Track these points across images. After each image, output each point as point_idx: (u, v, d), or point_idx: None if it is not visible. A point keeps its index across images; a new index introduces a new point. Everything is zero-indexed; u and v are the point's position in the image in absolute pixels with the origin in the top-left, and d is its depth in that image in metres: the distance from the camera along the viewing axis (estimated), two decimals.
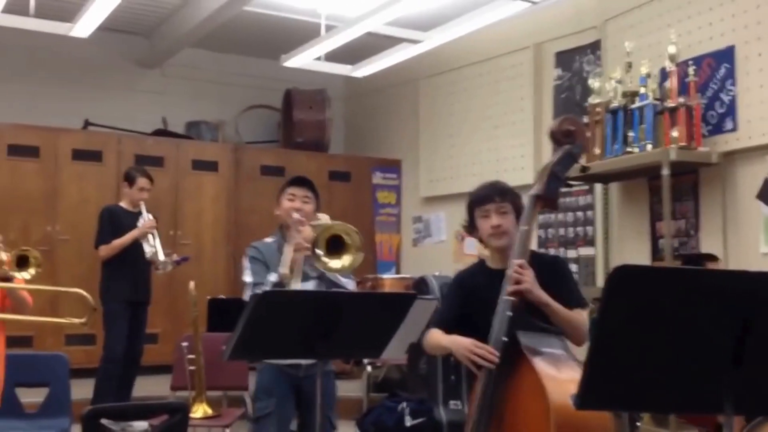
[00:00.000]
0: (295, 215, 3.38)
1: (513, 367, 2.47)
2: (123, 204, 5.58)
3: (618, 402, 1.69)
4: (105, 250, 5.37)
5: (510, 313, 2.50)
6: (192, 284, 4.80)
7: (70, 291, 3.97)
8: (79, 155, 7.08)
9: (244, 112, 8.60)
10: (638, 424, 4.36)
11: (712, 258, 4.65)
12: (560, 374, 2.38)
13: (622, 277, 1.54)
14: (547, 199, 2.65)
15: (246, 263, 3.43)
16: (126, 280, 5.37)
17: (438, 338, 2.77)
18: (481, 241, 2.86)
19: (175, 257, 5.65)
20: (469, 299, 2.78)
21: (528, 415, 2.41)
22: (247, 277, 3.38)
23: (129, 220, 5.44)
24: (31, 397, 4.14)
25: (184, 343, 4.57)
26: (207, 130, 8.17)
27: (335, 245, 3.17)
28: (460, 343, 2.60)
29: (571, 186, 6.15)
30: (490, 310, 2.57)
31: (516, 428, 2.45)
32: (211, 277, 7.36)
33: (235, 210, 7.70)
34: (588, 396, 1.60)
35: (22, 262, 3.32)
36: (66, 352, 5.32)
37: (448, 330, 2.75)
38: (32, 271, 3.34)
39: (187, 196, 7.50)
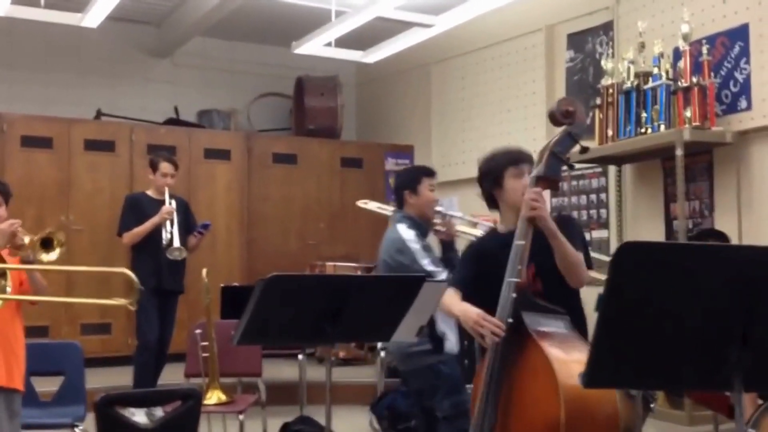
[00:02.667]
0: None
1: (520, 347, 2.47)
2: (149, 192, 5.52)
3: (625, 380, 1.67)
4: (127, 237, 5.36)
5: (514, 295, 2.51)
6: (204, 272, 4.81)
7: (116, 271, 4.09)
8: (91, 145, 7.10)
9: (255, 100, 8.60)
10: (652, 405, 4.32)
11: (719, 235, 4.54)
12: (567, 355, 2.37)
13: (628, 253, 1.52)
14: (549, 180, 2.61)
15: (420, 251, 3.65)
16: (148, 269, 5.28)
17: (450, 303, 2.75)
18: (494, 203, 2.85)
19: (198, 227, 5.59)
20: (481, 264, 2.76)
21: (535, 394, 2.41)
22: (429, 266, 3.61)
23: (153, 207, 5.37)
24: (46, 386, 4.16)
25: (198, 331, 4.58)
26: (219, 118, 8.17)
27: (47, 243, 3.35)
28: (468, 314, 2.60)
29: (572, 168, 6.09)
30: (501, 275, 2.55)
31: (523, 407, 2.45)
32: (225, 265, 7.37)
33: (247, 198, 7.70)
34: (596, 374, 1.59)
35: (46, 244, 3.31)
36: (82, 341, 5.35)
37: (465, 291, 2.75)
38: (57, 251, 3.33)
39: (200, 184, 7.50)
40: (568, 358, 2.35)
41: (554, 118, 2.66)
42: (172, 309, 5.52)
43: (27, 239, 3.25)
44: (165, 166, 5.45)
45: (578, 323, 2.61)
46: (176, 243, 5.34)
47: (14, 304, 3.33)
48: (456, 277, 2.92)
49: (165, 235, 5.35)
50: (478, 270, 2.79)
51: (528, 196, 2.54)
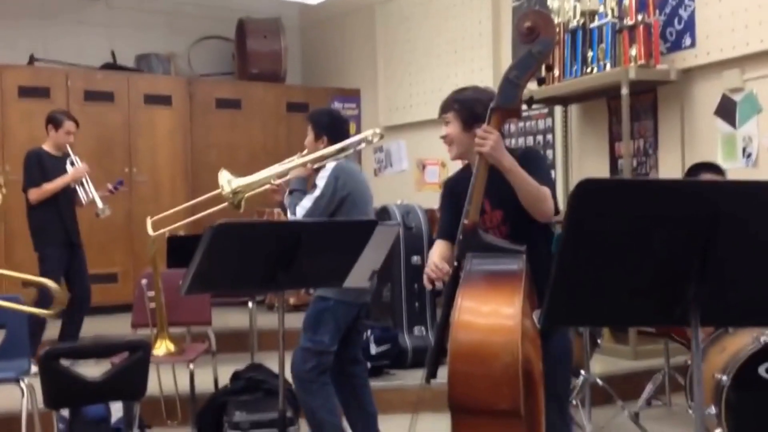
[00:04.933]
0: None
1: None
2: (46, 147, 5.39)
3: (584, 317, 1.66)
4: (35, 194, 5.25)
5: (460, 236, 2.45)
6: (149, 221, 4.69)
7: (38, 281, 4.30)
8: (25, 92, 6.83)
9: (195, 44, 8.35)
10: (599, 341, 4.40)
11: (714, 167, 4.23)
12: (485, 296, 2.30)
13: (586, 190, 1.49)
14: (504, 110, 2.46)
15: None
16: (59, 223, 5.30)
17: (430, 254, 2.70)
18: None
19: (109, 186, 5.53)
20: (458, 205, 2.63)
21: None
22: None
23: (55, 164, 5.32)
24: None
25: (144, 281, 4.49)
26: (158, 62, 7.92)
27: None
28: (428, 262, 2.58)
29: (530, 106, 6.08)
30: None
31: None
32: (170, 214, 7.20)
33: (191, 144, 7.53)
34: (553, 312, 1.57)
35: None
36: (26, 294, 5.21)
37: (451, 238, 2.66)
38: None
39: (140, 131, 7.30)
40: (480, 298, 2.28)
41: (520, 40, 2.51)
42: (82, 260, 5.46)
43: None
44: (69, 125, 5.38)
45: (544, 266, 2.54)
46: (100, 202, 5.33)
47: None
48: (438, 230, 2.83)
49: (84, 195, 5.34)
50: (456, 210, 2.66)
51: (477, 132, 2.47)
